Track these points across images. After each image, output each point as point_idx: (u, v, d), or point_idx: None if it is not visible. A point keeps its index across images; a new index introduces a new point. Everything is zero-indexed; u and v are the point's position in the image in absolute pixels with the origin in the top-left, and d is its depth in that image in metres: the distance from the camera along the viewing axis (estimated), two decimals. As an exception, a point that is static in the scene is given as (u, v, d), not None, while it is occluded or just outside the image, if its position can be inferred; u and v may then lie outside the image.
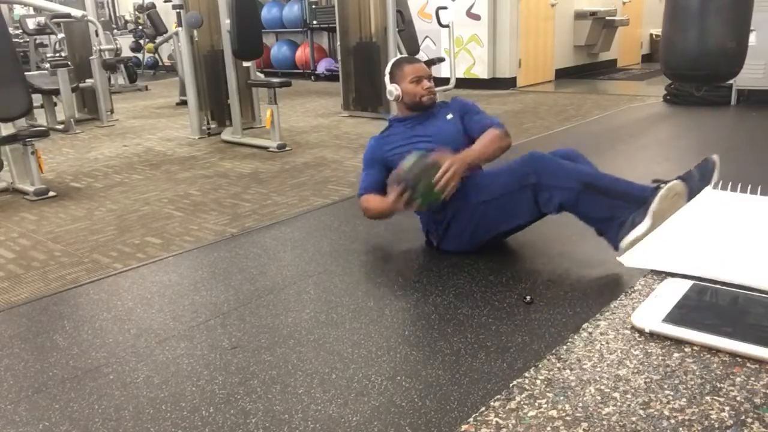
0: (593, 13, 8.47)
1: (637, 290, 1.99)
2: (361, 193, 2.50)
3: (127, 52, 11.11)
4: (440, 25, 6.66)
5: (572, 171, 2.16)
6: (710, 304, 1.84)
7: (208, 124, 5.65)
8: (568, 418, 1.39)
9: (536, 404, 1.45)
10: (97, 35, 6.30)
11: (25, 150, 3.79)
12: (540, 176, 2.15)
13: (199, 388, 1.63)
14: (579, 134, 4.71)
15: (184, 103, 6.91)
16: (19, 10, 10.26)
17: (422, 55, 6.97)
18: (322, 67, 9.50)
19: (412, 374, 1.64)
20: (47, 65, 5.58)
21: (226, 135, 5.38)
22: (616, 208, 2.10)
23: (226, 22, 4.99)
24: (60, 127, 5.87)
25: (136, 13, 11.57)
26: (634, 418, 1.38)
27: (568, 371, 1.58)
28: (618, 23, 8.78)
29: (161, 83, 10.24)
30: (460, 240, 2.35)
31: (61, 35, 6.04)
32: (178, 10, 5.24)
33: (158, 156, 4.86)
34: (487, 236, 2.32)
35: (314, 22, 9.44)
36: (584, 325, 1.81)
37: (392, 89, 2.53)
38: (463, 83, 7.26)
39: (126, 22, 12.63)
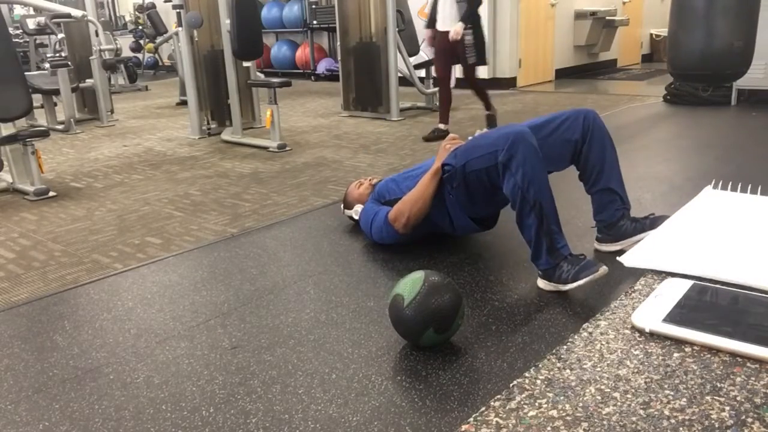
0: (593, 13, 8.47)
1: (637, 290, 1.99)
2: (387, 212, 2.42)
3: (127, 52, 11.11)
4: (440, 25, 6.65)
5: (543, 182, 2.03)
6: (710, 304, 1.84)
7: (208, 124, 5.66)
8: (568, 418, 1.39)
9: (536, 404, 1.45)
10: (97, 35, 6.30)
11: (25, 150, 3.79)
12: (512, 159, 2.02)
13: (199, 388, 1.63)
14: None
15: (184, 103, 6.92)
16: (19, 10, 10.27)
17: (422, 55, 6.97)
18: (322, 67, 9.50)
19: (412, 374, 1.64)
20: (47, 65, 5.58)
21: (226, 135, 5.38)
22: (539, 242, 2.02)
23: (226, 22, 4.99)
24: (60, 127, 5.87)
25: (136, 13, 11.57)
26: (634, 418, 1.38)
27: (568, 371, 1.58)
28: (618, 23, 8.78)
29: (161, 83, 10.25)
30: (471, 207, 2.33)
31: (61, 35, 6.04)
32: (178, 10, 5.25)
33: (158, 156, 4.86)
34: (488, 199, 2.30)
35: (314, 22, 9.44)
36: (584, 325, 1.81)
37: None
38: (463, 83, 7.25)
39: (126, 22, 12.63)
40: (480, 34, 4.86)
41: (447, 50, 4.86)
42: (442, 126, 5.07)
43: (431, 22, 4.97)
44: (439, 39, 4.90)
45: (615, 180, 2.30)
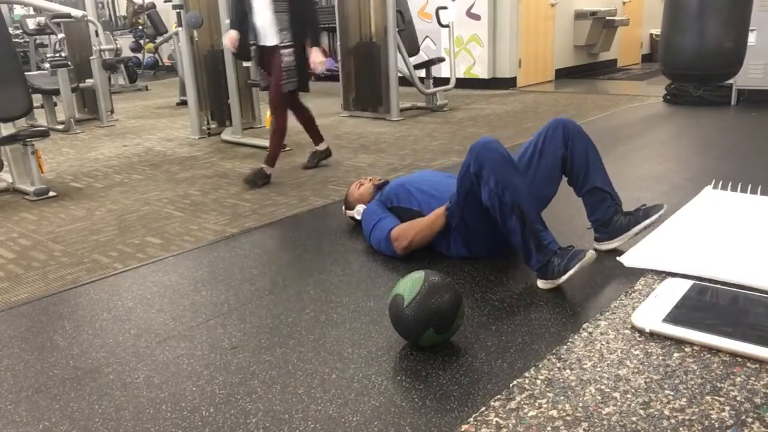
0: (593, 13, 8.47)
1: (637, 290, 1.99)
2: (390, 227, 2.41)
3: (127, 52, 11.10)
4: (440, 25, 6.67)
5: (517, 184, 2.05)
6: (710, 304, 1.84)
7: (208, 124, 5.65)
8: (568, 417, 1.39)
9: (536, 404, 1.45)
10: (97, 35, 6.30)
11: (25, 150, 3.79)
12: (482, 168, 2.06)
13: (199, 388, 1.63)
14: (579, 134, 4.69)
15: (184, 103, 6.91)
16: (19, 10, 10.26)
17: (422, 55, 6.97)
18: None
19: (412, 374, 1.64)
20: (47, 65, 5.57)
21: (226, 135, 5.38)
22: (526, 242, 2.04)
23: (226, 22, 4.99)
24: (60, 127, 5.87)
25: (133, 10, 11.45)
26: (634, 418, 1.38)
27: (568, 371, 1.58)
28: (618, 23, 8.78)
29: (161, 83, 10.24)
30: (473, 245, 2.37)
31: (61, 35, 6.04)
32: (178, 10, 5.24)
33: (158, 156, 4.86)
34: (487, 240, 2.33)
35: (314, 22, 9.43)
36: (584, 325, 1.81)
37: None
38: (463, 83, 7.26)
39: (126, 22, 12.60)
40: (302, 55, 3.87)
41: (273, 70, 3.84)
42: (265, 168, 3.87)
43: (252, 36, 3.93)
44: (268, 57, 3.85)
45: (600, 178, 2.33)
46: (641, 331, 1.73)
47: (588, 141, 2.35)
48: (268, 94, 3.97)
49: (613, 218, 2.32)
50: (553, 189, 2.37)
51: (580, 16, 8.49)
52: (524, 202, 2.03)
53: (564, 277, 1.99)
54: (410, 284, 1.73)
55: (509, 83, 7.67)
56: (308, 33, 3.84)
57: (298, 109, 4.17)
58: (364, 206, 2.63)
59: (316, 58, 3.85)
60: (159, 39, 9.65)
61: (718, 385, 1.48)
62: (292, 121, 4.03)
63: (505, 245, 2.23)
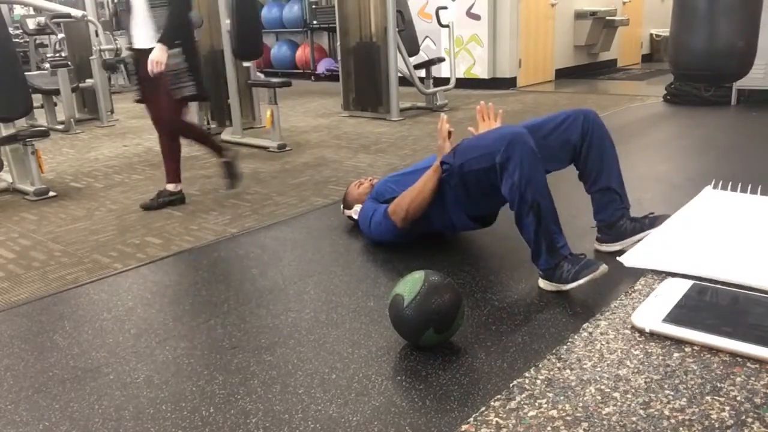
0: (593, 13, 8.47)
1: (637, 290, 1.99)
2: (386, 207, 2.43)
3: (127, 53, 11.05)
4: (440, 25, 6.67)
5: (540, 181, 2.03)
6: (710, 304, 1.84)
7: (208, 124, 5.65)
8: (568, 418, 1.39)
9: (536, 404, 1.45)
10: (97, 35, 6.30)
11: (25, 150, 3.79)
12: (509, 160, 2.02)
13: (199, 388, 1.63)
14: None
15: (184, 103, 6.90)
16: (19, 10, 10.25)
17: (422, 55, 6.97)
18: (322, 67, 9.50)
19: (412, 374, 1.64)
20: (47, 65, 5.58)
21: (226, 135, 5.38)
22: (538, 241, 2.03)
23: (226, 22, 4.99)
24: (60, 127, 5.87)
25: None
26: (634, 418, 1.38)
27: (568, 371, 1.58)
28: (618, 23, 8.78)
29: (161, 83, 10.23)
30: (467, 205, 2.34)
31: (61, 35, 6.04)
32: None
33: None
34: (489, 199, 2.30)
35: (314, 22, 9.45)
36: (584, 325, 1.80)
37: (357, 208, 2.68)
38: (463, 83, 7.27)
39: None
40: (193, 56, 3.34)
41: (154, 78, 3.20)
42: (171, 187, 3.48)
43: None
44: (141, 63, 3.25)
45: (615, 179, 2.30)
46: (641, 331, 1.73)
47: (606, 138, 2.30)
48: (149, 109, 3.44)
49: (618, 221, 2.31)
50: (551, 167, 2.31)
51: (580, 16, 8.49)
52: (544, 201, 2.01)
53: (571, 285, 1.98)
54: (410, 284, 1.73)
55: (509, 83, 7.67)
56: (165, 25, 3.18)
57: (179, 123, 3.48)
58: (362, 205, 2.63)
59: (153, 55, 3.13)
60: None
61: (718, 385, 1.48)
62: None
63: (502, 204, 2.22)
